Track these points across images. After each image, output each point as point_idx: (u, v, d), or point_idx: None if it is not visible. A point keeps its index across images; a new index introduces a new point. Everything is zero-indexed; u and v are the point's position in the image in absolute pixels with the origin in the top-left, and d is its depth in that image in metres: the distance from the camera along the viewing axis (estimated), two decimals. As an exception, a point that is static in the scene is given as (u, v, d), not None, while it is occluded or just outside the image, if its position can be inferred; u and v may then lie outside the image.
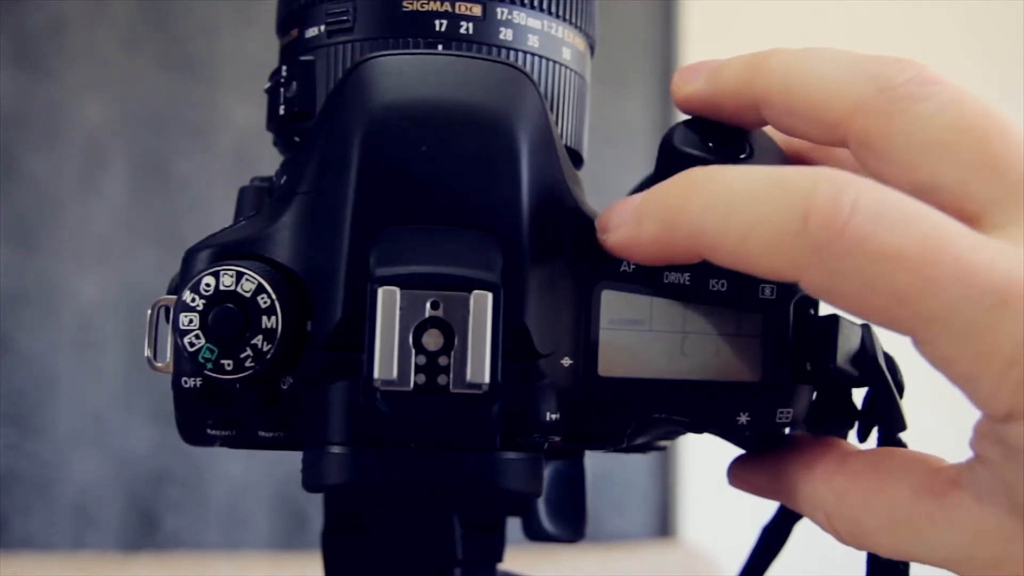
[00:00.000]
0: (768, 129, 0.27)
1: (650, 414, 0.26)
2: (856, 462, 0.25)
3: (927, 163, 0.22)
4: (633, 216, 0.24)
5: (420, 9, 0.27)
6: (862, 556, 0.27)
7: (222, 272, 0.24)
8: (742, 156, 0.27)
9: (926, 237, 0.20)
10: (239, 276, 0.24)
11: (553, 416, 0.25)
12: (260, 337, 0.24)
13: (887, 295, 0.20)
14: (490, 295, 0.23)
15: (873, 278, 0.20)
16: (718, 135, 0.27)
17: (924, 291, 0.20)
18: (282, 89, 0.29)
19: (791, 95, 0.24)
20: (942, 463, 0.23)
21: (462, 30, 0.27)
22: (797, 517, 0.30)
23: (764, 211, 0.21)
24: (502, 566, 0.31)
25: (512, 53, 0.28)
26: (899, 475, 0.23)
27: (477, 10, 0.27)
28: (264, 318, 0.24)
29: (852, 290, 0.21)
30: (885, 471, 0.24)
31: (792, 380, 0.27)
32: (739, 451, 0.29)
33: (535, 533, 0.38)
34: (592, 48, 0.31)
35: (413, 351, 0.23)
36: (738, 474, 0.28)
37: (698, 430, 0.27)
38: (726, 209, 0.22)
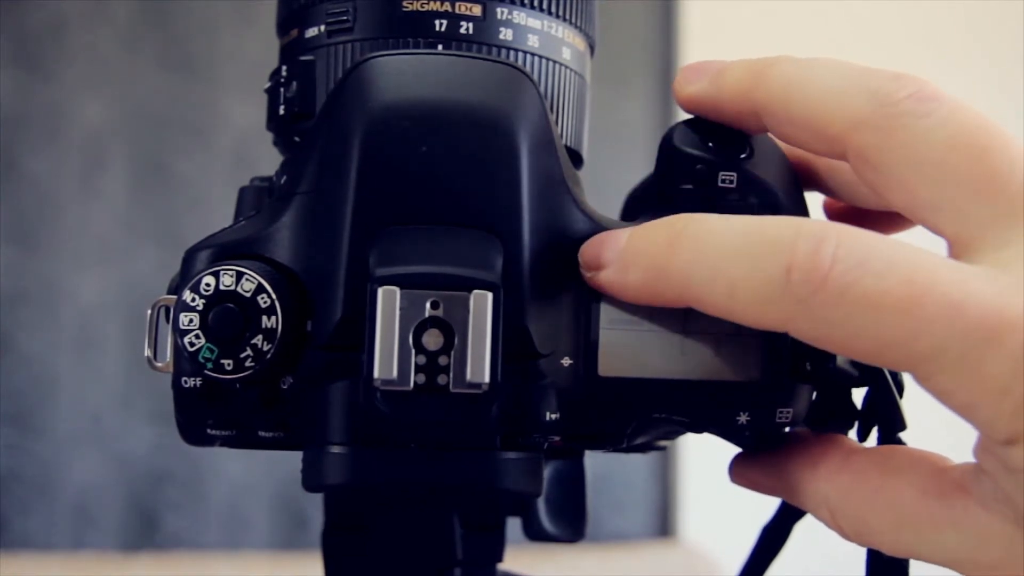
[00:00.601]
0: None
1: (650, 414, 0.26)
2: (861, 460, 0.25)
3: (926, 180, 0.22)
4: (619, 260, 0.24)
5: (420, 9, 0.27)
6: (862, 557, 0.27)
7: (222, 272, 0.24)
8: (742, 156, 0.27)
9: (909, 278, 0.20)
10: (239, 276, 0.24)
11: (553, 416, 0.25)
12: (260, 337, 0.24)
13: (876, 339, 0.21)
14: (490, 295, 0.23)
15: (860, 325, 0.20)
16: (718, 135, 0.27)
17: (912, 332, 0.20)
18: (282, 89, 0.29)
19: (791, 107, 0.25)
20: (947, 462, 0.23)
21: (462, 30, 0.27)
22: (797, 516, 0.30)
23: (749, 266, 0.22)
24: (502, 566, 0.31)
25: (512, 53, 0.28)
26: (904, 475, 0.23)
27: (477, 10, 0.27)
28: (264, 318, 0.24)
29: (842, 338, 0.21)
30: (890, 470, 0.24)
31: (792, 380, 0.27)
32: (739, 451, 0.29)
33: (535, 533, 0.38)
34: (592, 48, 0.31)
35: (413, 351, 0.23)
36: (740, 471, 0.28)
37: (698, 430, 0.27)
38: (712, 264, 0.22)
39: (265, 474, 1.25)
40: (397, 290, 0.23)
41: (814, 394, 0.28)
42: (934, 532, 0.22)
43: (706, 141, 0.27)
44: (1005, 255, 0.21)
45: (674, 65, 1.45)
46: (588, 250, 0.25)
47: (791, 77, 0.25)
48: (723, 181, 0.26)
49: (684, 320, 0.26)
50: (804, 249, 0.21)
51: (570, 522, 0.38)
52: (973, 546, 0.22)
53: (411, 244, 0.24)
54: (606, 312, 0.26)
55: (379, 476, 0.25)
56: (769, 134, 0.27)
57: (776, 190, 0.27)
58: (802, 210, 0.28)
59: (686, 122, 0.27)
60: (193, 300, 0.24)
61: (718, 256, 0.22)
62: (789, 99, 0.25)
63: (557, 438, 0.26)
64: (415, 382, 0.23)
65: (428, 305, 0.23)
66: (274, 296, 0.24)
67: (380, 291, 0.23)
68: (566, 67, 0.29)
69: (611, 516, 1.38)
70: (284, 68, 0.29)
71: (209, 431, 0.26)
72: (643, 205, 0.28)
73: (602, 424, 0.26)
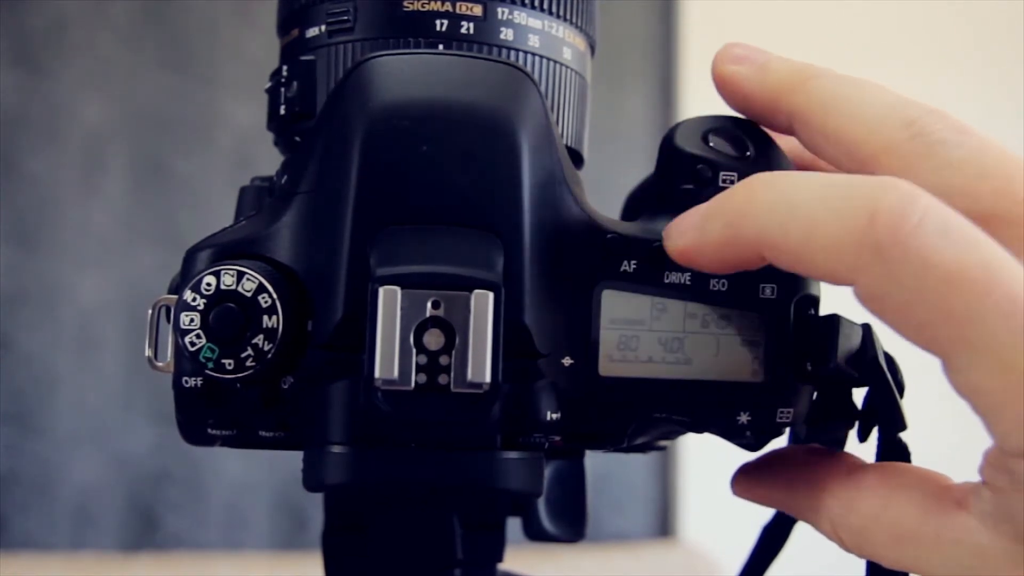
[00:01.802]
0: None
1: (650, 414, 0.26)
2: (864, 475, 0.25)
3: (953, 205, 0.22)
4: (699, 222, 0.24)
5: (421, 9, 0.27)
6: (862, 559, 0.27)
7: (223, 271, 0.24)
8: (743, 156, 0.27)
9: (986, 263, 0.20)
10: (240, 275, 0.24)
11: (554, 416, 0.25)
12: (261, 336, 0.24)
13: (938, 312, 0.20)
14: (491, 295, 0.23)
15: (929, 291, 0.20)
16: (720, 135, 0.27)
17: (974, 315, 0.20)
18: (283, 89, 0.29)
19: (828, 121, 0.25)
20: (949, 481, 0.23)
21: (463, 30, 0.27)
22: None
23: (830, 211, 0.21)
24: (502, 566, 0.31)
25: (513, 53, 0.28)
26: (907, 491, 0.23)
27: (478, 10, 0.27)
28: (265, 317, 0.24)
29: (904, 300, 0.21)
30: (893, 486, 0.24)
31: (792, 380, 0.27)
32: (739, 451, 0.29)
33: (535, 533, 0.38)
34: (592, 48, 0.31)
35: (414, 350, 0.23)
36: (742, 483, 0.28)
37: (698, 430, 0.27)
38: (790, 207, 0.22)
39: (265, 474, 1.25)
40: (398, 290, 0.23)
41: (814, 394, 0.28)
42: (935, 549, 0.22)
43: (707, 141, 0.27)
44: None
45: (674, 65, 1.45)
46: (670, 226, 0.25)
47: (834, 93, 0.25)
48: (724, 181, 0.26)
49: (684, 320, 0.26)
50: (892, 201, 0.21)
51: (570, 522, 0.38)
52: (973, 564, 0.22)
53: (412, 244, 0.24)
54: (606, 312, 0.26)
55: (379, 476, 0.25)
56: (772, 133, 0.27)
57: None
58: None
59: (687, 122, 0.27)
60: (194, 300, 0.24)
61: (800, 198, 0.22)
62: (827, 113, 0.25)
63: (558, 438, 0.26)
64: (416, 382, 0.23)
65: (429, 305, 0.23)
66: (275, 296, 0.24)
67: (381, 291, 0.23)
68: (567, 67, 0.29)
69: (611, 516, 1.38)
70: (285, 68, 0.29)
71: (210, 431, 0.26)
72: (643, 205, 0.28)
73: (602, 424, 0.26)
